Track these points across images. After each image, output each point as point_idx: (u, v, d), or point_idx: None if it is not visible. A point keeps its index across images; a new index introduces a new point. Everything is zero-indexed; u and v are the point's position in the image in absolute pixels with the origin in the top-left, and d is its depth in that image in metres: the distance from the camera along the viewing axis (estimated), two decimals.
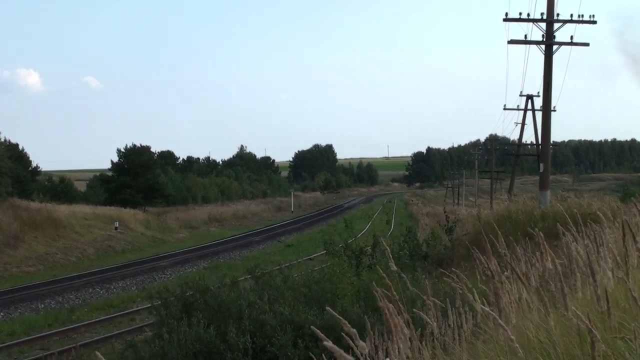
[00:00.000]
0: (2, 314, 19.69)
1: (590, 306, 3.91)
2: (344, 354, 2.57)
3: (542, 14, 22.62)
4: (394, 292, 3.67)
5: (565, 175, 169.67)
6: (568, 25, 22.81)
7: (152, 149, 71.34)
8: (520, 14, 22.88)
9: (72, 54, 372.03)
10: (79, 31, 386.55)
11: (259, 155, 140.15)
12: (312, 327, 3.06)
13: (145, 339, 12.40)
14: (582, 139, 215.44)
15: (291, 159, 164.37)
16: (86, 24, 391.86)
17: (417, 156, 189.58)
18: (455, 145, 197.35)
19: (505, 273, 4.92)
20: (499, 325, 3.24)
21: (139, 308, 19.73)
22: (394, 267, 4.31)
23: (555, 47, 22.60)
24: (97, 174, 71.32)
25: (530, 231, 7.78)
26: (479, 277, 5.26)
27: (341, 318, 2.91)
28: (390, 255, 4.49)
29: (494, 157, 54.10)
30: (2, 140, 50.71)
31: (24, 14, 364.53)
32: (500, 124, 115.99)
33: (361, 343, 2.84)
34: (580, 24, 22.92)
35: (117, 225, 41.94)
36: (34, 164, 59.23)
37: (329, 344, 2.60)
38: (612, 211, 11.24)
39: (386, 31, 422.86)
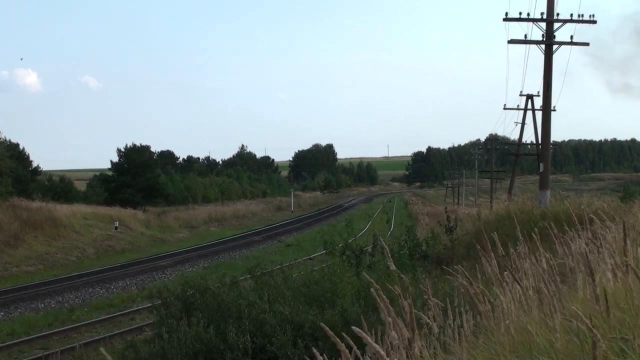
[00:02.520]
0: (2, 313, 19.68)
1: (590, 306, 3.91)
2: (374, 344, 2.60)
3: (542, 13, 22.62)
4: (396, 288, 3.67)
5: (565, 175, 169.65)
6: (568, 24, 22.82)
7: (152, 149, 71.37)
8: (520, 13, 22.89)
9: (70, 53, 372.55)
10: (77, 31, 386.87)
11: (259, 155, 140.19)
12: (321, 324, 3.08)
13: (145, 339, 12.41)
14: (582, 139, 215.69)
15: (291, 159, 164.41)
16: (84, 24, 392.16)
17: (417, 156, 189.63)
18: (455, 145, 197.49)
19: (506, 272, 4.92)
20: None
21: (139, 308, 19.72)
22: (393, 267, 4.31)
23: (555, 46, 22.58)
24: (97, 173, 71.29)
25: (529, 231, 7.79)
26: (479, 276, 5.26)
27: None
28: (389, 255, 4.49)
29: (493, 156, 54.13)
30: (3, 139, 50.75)
31: (23, 14, 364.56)
32: (501, 123, 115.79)
33: (375, 346, 2.80)
34: (580, 24, 22.95)
35: (117, 225, 41.92)
36: (34, 164, 59.31)
37: (342, 347, 2.61)
38: (613, 211, 11.23)
39: (386, 31, 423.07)
